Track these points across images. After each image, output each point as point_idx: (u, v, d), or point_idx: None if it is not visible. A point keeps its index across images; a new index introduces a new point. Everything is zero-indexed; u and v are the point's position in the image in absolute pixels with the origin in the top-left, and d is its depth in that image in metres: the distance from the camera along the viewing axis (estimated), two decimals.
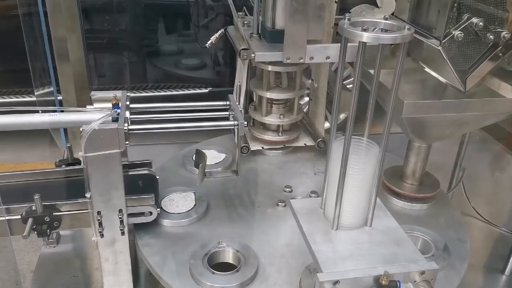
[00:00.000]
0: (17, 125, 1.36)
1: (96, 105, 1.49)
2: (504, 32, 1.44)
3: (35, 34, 2.32)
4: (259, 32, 1.82)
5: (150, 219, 1.55)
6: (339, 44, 1.20)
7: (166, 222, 1.64)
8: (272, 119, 2.00)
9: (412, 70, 1.70)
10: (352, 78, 1.17)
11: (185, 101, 1.60)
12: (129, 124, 1.35)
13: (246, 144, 1.99)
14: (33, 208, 1.44)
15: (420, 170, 1.84)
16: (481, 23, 1.42)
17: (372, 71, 1.18)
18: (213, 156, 2.03)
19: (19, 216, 1.44)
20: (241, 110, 1.54)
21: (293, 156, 2.10)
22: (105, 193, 1.35)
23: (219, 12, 3.59)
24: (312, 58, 1.69)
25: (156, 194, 1.58)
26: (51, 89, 2.47)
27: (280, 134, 2.04)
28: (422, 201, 1.81)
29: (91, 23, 3.63)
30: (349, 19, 1.14)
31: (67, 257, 1.87)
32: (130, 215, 1.49)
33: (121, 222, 1.39)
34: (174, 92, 3.83)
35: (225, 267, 1.46)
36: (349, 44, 1.19)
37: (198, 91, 3.86)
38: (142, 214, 1.54)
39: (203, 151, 1.62)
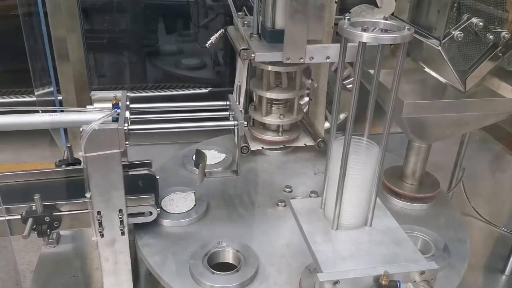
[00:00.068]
0: (17, 125, 1.36)
1: (96, 105, 1.49)
2: (504, 32, 1.44)
3: (35, 34, 2.32)
4: (259, 32, 1.82)
5: (150, 219, 1.55)
6: (339, 44, 1.20)
7: (166, 222, 1.64)
8: (272, 119, 2.00)
9: (412, 70, 1.70)
10: (352, 78, 1.17)
11: (185, 101, 1.60)
12: (129, 124, 1.35)
13: (246, 144, 1.99)
14: (33, 208, 1.44)
15: (420, 170, 1.84)
16: (481, 23, 1.42)
17: (372, 71, 1.18)
18: (213, 156, 2.03)
19: (19, 216, 1.44)
20: (241, 110, 1.54)
21: (293, 156, 2.10)
22: (105, 193, 1.35)
23: (219, 12, 3.59)
24: (312, 58, 1.69)
25: (156, 194, 1.58)
26: (51, 89, 2.47)
27: (280, 134, 2.04)
28: (422, 201, 1.81)
29: (91, 23, 3.62)
30: (349, 19, 1.15)
31: (67, 257, 1.87)
32: (130, 215, 1.49)
33: (121, 222, 1.39)
34: (174, 92, 3.83)
35: (225, 267, 1.46)
36: (349, 44, 1.19)
37: (198, 91, 3.86)
38: (142, 214, 1.54)
39: (203, 151, 1.62)
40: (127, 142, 1.32)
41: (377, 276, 1.12)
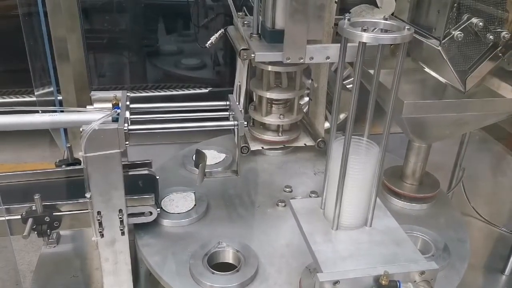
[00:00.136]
0: (17, 125, 1.36)
1: (96, 105, 1.49)
2: (504, 32, 1.44)
3: (35, 34, 2.32)
4: (259, 32, 1.82)
5: (150, 219, 1.55)
6: (339, 44, 1.20)
7: (166, 222, 1.64)
8: (272, 119, 2.00)
9: (412, 70, 1.70)
10: (352, 78, 1.17)
11: (185, 101, 1.60)
12: (129, 124, 1.35)
13: (246, 144, 1.99)
14: (33, 208, 1.44)
15: (420, 170, 1.85)
16: (481, 23, 1.42)
17: (372, 71, 1.18)
18: (213, 156, 2.03)
19: (19, 216, 1.44)
20: (241, 110, 1.54)
21: (293, 156, 2.10)
22: (105, 193, 1.35)
23: (219, 12, 3.59)
24: (312, 58, 1.69)
25: (156, 194, 1.58)
26: (51, 89, 2.47)
27: (280, 134, 2.04)
28: (422, 201, 1.81)
29: (91, 23, 3.62)
30: (349, 19, 1.15)
31: (67, 257, 1.87)
32: (130, 215, 1.49)
33: (121, 222, 1.39)
34: (174, 92, 3.83)
35: (225, 267, 1.46)
36: (349, 44, 1.19)
37: (198, 91, 3.86)
38: (142, 214, 1.54)
39: (203, 151, 1.62)
40: (127, 142, 1.32)
41: (377, 276, 1.12)
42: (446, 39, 1.48)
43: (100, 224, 1.38)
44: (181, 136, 2.12)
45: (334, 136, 1.28)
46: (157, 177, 1.64)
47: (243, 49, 1.72)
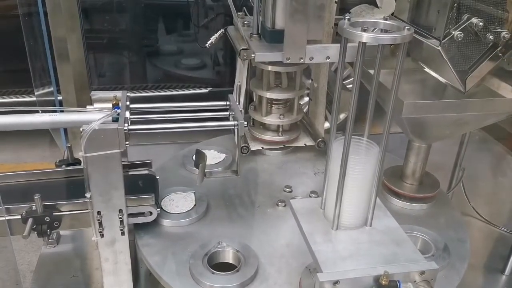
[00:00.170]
0: (17, 125, 1.36)
1: (96, 105, 1.49)
2: (504, 32, 1.44)
3: (35, 34, 2.32)
4: (259, 32, 1.82)
5: (150, 219, 1.55)
6: (339, 44, 1.20)
7: (166, 222, 1.64)
8: (272, 119, 2.00)
9: (412, 70, 1.70)
10: (352, 78, 1.17)
11: (185, 101, 1.60)
12: (129, 124, 1.35)
13: (246, 144, 1.99)
14: (33, 208, 1.44)
15: (420, 170, 1.85)
16: (481, 23, 1.42)
17: (372, 71, 1.18)
18: (213, 156, 2.03)
19: (19, 216, 1.44)
20: (241, 110, 1.54)
21: (293, 156, 2.10)
22: (105, 193, 1.35)
23: (219, 12, 3.59)
24: (312, 58, 1.69)
25: (156, 194, 1.58)
26: (51, 89, 2.47)
27: (280, 134, 2.04)
28: (422, 201, 1.82)
29: (91, 23, 3.63)
30: (349, 19, 1.15)
31: (67, 257, 1.87)
32: (130, 215, 1.49)
33: (121, 222, 1.39)
34: (174, 92, 3.83)
35: (225, 267, 1.46)
36: (349, 44, 1.19)
37: (198, 91, 3.86)
38: (142, 214, 1.54)
39: (203, 151, 1.62)
40: (127, 142, 1.32)
41: (377, 276, 1.12)
42: (446, 39, 1.48)
43: (100, 224, 1.38)
44: (181, 136, 2.12)
45: (334, 136, 1.28)
46: (157, 177, 1.64)
47: (243, 49, 1.72)
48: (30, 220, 1.43)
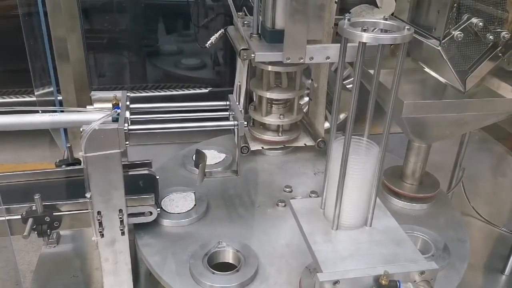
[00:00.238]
0: (17, 125, 1.36)
1: (96, 105, 1.49)
2: (504, 32, 1.44)
3: (35, 34, 2.32)
4: (259, 32, 1.82)
5: (150, 219, 1.55)
6: (339, 44, 1.20)
7: (166, 222, 1.64)
8: (272, 119, 2.00)
9: (412, 70, 1.70)
10: (352, 78, 1.17)
11: (185, 101, 1.60)
12: (129, 124, 1.35)
13: (246, 144, 1.99)
14: (33, 208, 1.44)
15: (420, 170, 1.85)
16: (480, 23, 1.42)
17: (372, 71, 1.18)
18: (213, 156, 2.03)
19: (19, 216, 1.44)
20: (241, 110, 1.54)
21: (293, 156, 2.10)
22: (105, 193, 1.35)
23: (219, 12, 3.59)
24: (312, 58, 1.69)
25: (156, 194, 1.58)
26: (51, 89, 2.47)
27: (280, 134, 2.05)
28: (422, 201, 1.82)
29: (91, 23, 3.63)
30: (349, 19, 1.15)
31: (67, 257, 1.87)
32: (130, 215, 1.49)
33: (121, 222, 1.39)
34: (174, 92, 3.83)
35: (225, 267, 1.46)
36: (349, 44, 1.19)
37: (198, 91, 3.86)
38: (142, 214, 1.54)
39: (203, 151, 1.62)
40: (127, 142, 1.32)
41: (377, 276, 1.12)
42: (446, 39, 1.48)
43: (100, 224, 1.38)
44: (181, 136, 2.12)
45: (334, 136, 1.28)
46: (157, 177, 1.64)
47: (243, 49, 1.72)
48: (30, 220, 1.43)
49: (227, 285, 1.38)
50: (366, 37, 1.07)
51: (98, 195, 1.35)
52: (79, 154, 1.34)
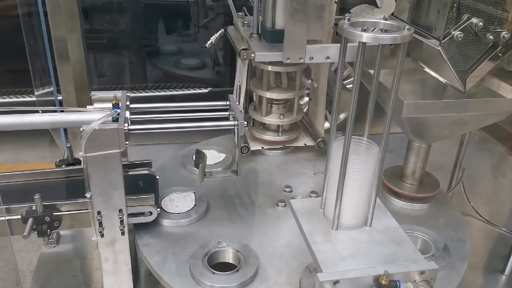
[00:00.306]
0: (17, 125, 1.36)
1: (96, 105, 1.49)
2: (504, 32, 1.44)
3: (35, 34, 2.32)
4: (259, 32, 1.82)
5: (150, 219, 1.55)
6: (339, 44, 1.20)
7: (166, 222, 1.64)
8: (272, 119, 2.00)
9: (412, 70, 1.70)
10: (352, 78, 1.17)
11: (185, 101, 1.60)
12: (129, 124, 1.35)
13: (246, 144, 1.99)
14: (33, 208, 1.44)
15: (420, 170, 1.85)
16: (480, 23, 1.42)
17: (372, 71, 1.18)
18: (213, 156, 2.03)
19: (19, 216, 1.44)
20: (241, 110, 1.54)
21: (293, 156, 2.10)
22: (105, 193, 1.35)
23: (219, 12, 3.59)
24: (312, 58, 1.69)
25: (156, 194, 1.58)
26: (51, 89, 2.47)
27: (280, 134, 2.05)
28: (422, 201, 1.82)
29: (91, 23, 3.63)
30: (349, 19, 1.15)
31: (67, 257, 1.87)
32: (130, 215, 1.49)
33: (121, 222, 1.39)
34: (174, 92, 3.83)
35: (225, 267, 1.46)
36: (349, 44, 1.19)
37: (198, 91, 3.86)
38: (142, 214, 1.54)
39: (203, 151, 1.62)
40: (127, 142, 1.32)
41: (377, 276, 1.12)
42: (446, 39, 1.48)
43: (100, 224, 1.38)
44: (181, 136, 2.12)
45: (334, 136, 1.28)
46: (157, 177, 1.64)
47: (243, 49, 1.72)
48: (30, 220, 1.43)
49: (227, 285, 1.38)
50: (366, 37, 1.07)
51: (98, 195, 1.35)
52: (79, 154, 1.34)
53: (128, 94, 1.53)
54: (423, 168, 1.85)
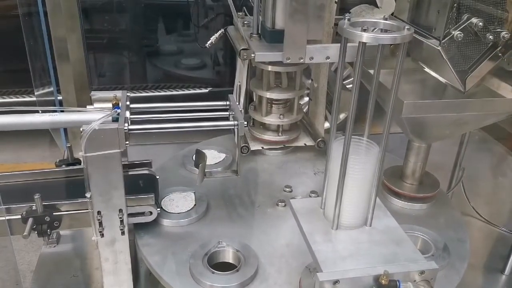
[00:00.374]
0: (17, 125, 1.36)
1: (96, 105, 1.49)
2: (504, 32, 1.44)
3: (35, 34, 2.32)
4: (259, 32, 1.82)
5: (150, 219, 1.55)
6: (339, 44, 1.20)
7: (166, 222, 1.64)
8: (272, 119, 2.00)
9: (412, 70, 1.70)
10: (352, 78, 1.17)
11: (185, 101, 1.60)
12: (129, 124, 1.35)
13: (246, 144, 1.99)
14: (33, 208, 1.44)
15: (420, 170, 1.85)
16: (480, 23, 1.42)
17: (372, 71, 1.18)
18: (213, 156, 2.03)
19: (19, 216, 1.44)
20: (241, 110, 1.54)
21: (293, 156, 2.10)
22: (105, 193, 1.35)
23: (219, 12, 3.59)
24: (312, 58, 1.69)
25: (156, 194, 1.58)
26: (51, 89, 2.47)
27: (280, 134, 2.05)
28: (422, 201, 1.82)
29: (91, 23, 3.63)
30: (349, 19, 1.15)
31: (67, 257, 1.87)
32: (130, 215, 1.49)
33: (121, 222, 1.39)
34: (174, 92, 3.83)
35: (225, 267, 1.46)
36: (349, 44, 1.19)
37: (198, 91, 3.86)
38: (142, 214, 1.54)
39: (203, 151, 1.62)
40: (127, 142, 1.32)
41: (377, 276, 1.12)
42: (446, 39, 1.48)
43: (100, 224, 1.38)
44: (181, 136, 2.12)
45: (334, 136, 1.29)
46: (157, 177, 1.64)
47: (243, 49, 1.72)
48: (30, 220, 1.43)
49: (227, 285, 1.38)
50: (366, 37, 1.07)
51: (98, 195, 1.35)
52: (79, 154, 1.34)
53: (128, 94, 1.53)
54: (423, 168, 1.85)
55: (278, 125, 2.03)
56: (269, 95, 1.94)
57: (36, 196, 1.41)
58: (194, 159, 1.75)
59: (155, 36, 3.90)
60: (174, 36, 3.95)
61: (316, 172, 1.99)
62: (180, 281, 1.42)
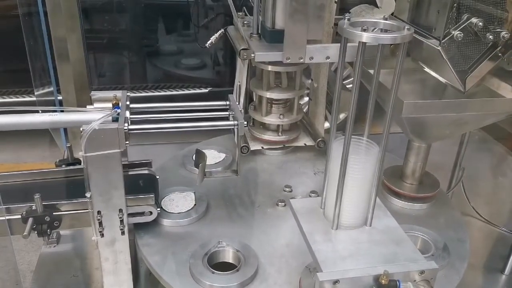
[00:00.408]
0: (17, 125, 1.36)
1: (96, 105, 1.49)
2: (504, 32, 1.44)
3: (35, 34, 2.32)
4: (259, 32, 1.82)
5: (150, 218, 1.55)
6: (339, 44, 1.20)
7: (166, 222, 1.64)
8: (272, 119, 2.00)
9: (412, 70, 1.70)
10: (352, 78, 1.17)
11: (185, 101, 1.60)
12: (129, 124, 1.35)
13: (246, 144, 1.99)
14: (33, 207, 1.44)
15: (419, 170, 1.85)
16: (480, 23, 1.42)
17: (372, 71, 1.18)
18: (213, 156, 2.03)
19: (19, 216, 1.44)
20: (241, 110, 1.54)
21: (293, 156, 2.10)
22: (105, 193, 1.35)
23: (219, 12, 3.59)
24: (312, 58, 1.69)
25: (156, 194, 1.58)
26: (51, 89, 2.47)
27: (280, 134, 2.05)
28: (422, 201, 1.82)
29: (91, 23, 3.63)
30: (348, 19, 1.15)
31: (67, 257, 1.87)
32: (130, 214, 1.49)
33: (121, 221, 1.39)
34: (174, 92, 3.83)
35: (225, 267, 1.46)
36: (349, 44, 1.19)
37: (198, 91, 3.86)
38: (142, 213, 1.54)
39: (203, 151, 1.62)
40: (127, 142, 1.32)
41: (377, 276, 1.13)
42: (446, 39, 1.48)
43: (100, 223, 1.38)
44: (181, 136, 2.12)
45: (334, 136, 1.29)
46: (157, 177, 1.64)
47: (243, 49, 1.72)
48: (30, 220, 1.43)
49: (227, 284, 1.38)
50: (366, 37, 1.07)
51: (98, 195, 1.35)
52: (79, 154, 1.34)
53: (128, 94, 1.53)
54: (423, 168, 1.85)
55: (278, 125, 2.03)
56: (269, 95, 1.94)
57: (36, 196, 1.41)
58: (194, 159, 1.75)
59: (155, 36, 3.90)
60: (174, 36, 3.95)
61: (316, 172, 1.99)
62: (180, 281, 1.42)
